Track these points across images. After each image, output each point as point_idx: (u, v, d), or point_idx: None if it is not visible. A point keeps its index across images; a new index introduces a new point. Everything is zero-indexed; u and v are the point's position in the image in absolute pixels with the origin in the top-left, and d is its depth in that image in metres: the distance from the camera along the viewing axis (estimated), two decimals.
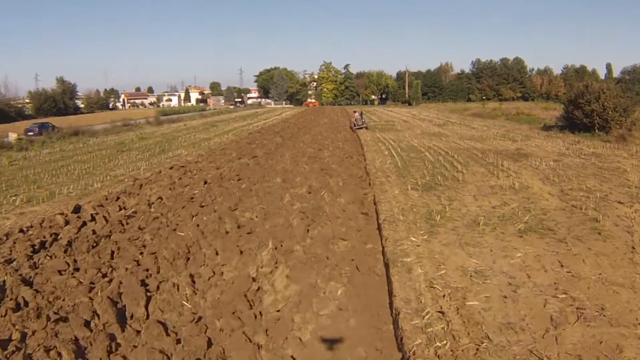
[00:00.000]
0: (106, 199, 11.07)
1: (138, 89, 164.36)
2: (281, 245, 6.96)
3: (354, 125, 28.11)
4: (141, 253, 6.85)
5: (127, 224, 8.81)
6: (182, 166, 15.91)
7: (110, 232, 8.30)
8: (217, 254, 6.66)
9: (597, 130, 27.78)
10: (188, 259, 6.54)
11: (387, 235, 7.79)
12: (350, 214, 8.77)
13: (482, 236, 7.96)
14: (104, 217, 9.53)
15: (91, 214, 9.61)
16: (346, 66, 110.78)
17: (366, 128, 28.16)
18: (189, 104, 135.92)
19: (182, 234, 7.52)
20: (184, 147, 22.48)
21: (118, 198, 10.98)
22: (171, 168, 15.92)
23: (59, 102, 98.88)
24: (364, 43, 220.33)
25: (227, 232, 7.65)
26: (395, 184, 12.27)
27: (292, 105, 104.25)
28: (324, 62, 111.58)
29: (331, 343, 4.65)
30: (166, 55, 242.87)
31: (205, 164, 15.91)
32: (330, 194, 10.05)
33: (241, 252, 6.61)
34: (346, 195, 10.22)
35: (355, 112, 29.70)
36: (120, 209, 9.80)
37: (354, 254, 6.89)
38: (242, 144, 22.02)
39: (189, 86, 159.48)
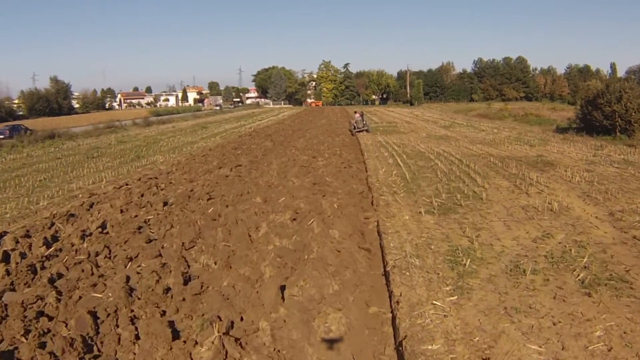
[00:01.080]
0: (39, 225, 8.71)
1: (136, 89, 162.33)
2: (241, 319, 4.59)
3: (354, 128, 25.72)
4: (27, 332, 4.48)
5: (42, 268, 6.45)
6: (152, 178, 13.55)
7: (12, 284, 5.94)
8: (137, 338, 4.28)
9: (618, 133, 25.46)
10: (89, 347, 4.16)
11: (398, 293, 5.43)
12: (347, 255, 6.41)
13: (534, 295, 5.59)
14: (21, 254, 7.19)
15: (5, 251, 7.26)
16: (346, 65, 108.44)
17: (367, 131, 25.77)
18: (187, 104, 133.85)
19: (100, 295, 5.15)
20: (163, 153, 20.13)
21: (52, 225, 8.62)
22: (139, 179, 13.60)
23: (52, 102, 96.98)
24: (364, 42, 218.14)
25: (167, 291, 5.28)
26: (405, 204, 9.90)
27: (290, 106, 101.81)
28: (323, 61, 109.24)
29: None
30: (165, 55, 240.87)
31: (178, 176, 13.55)
32: (321, 223, 7.68)
33: (173, 338, 4.24)
34: (342, 223, 7.85)
35: (355, 112, 27.21)
36: (45, 244, 7.43)
37: (351, 335, 4.51)
38: (228, 149, 19.67)
39: (187, 86, 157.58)
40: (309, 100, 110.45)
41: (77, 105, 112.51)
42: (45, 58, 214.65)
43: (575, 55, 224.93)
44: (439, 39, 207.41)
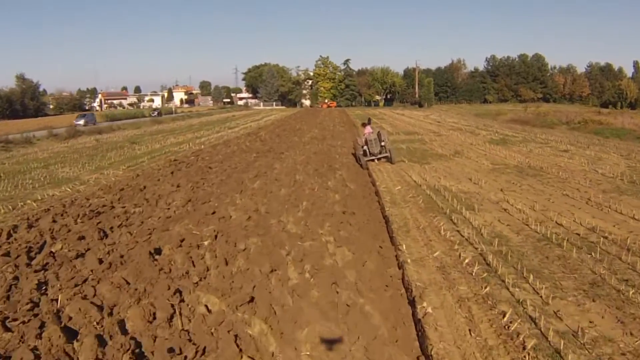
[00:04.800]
0: None
1: (125, 89, 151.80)
2: None
3: (365, 153, 14.26)
4: None
5: None
6: None
7: None
8: None
9: None
10: None
11: None
12: None
13: None
14: None
15: None
16: (346, 61, 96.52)
17: (388, 159, 14.30)
18: (174, 104, 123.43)
19: None
20: None
21: None
22: None
23: (15, 102, 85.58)
24: (366, 36, 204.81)
25: None
26: None
27: (282, 107, 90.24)
28: (321, 56, 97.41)
29: None
30: (162, 55, 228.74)
31: None
32: None
33: None
34: None
35: (364, 125, 15.39)
36: None
37: None
38: (70, 220, 8.37)
39: (176, 85, 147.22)
40: (304, 102, 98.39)
41: (51, 106, 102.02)
42: (35, 57, 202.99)
43: (594, 52, 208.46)
44: (449, 35, 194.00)
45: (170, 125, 39.02)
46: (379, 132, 14.59)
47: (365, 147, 14.07)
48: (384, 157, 14.27)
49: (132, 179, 12.44)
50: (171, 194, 10.00)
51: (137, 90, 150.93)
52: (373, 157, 14.05)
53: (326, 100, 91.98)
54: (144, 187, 11.01)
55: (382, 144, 14.06)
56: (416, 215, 8.57)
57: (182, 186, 10.91)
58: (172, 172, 12.98)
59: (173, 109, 71.03)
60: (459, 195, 10.23)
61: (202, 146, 20.86)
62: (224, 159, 15.65)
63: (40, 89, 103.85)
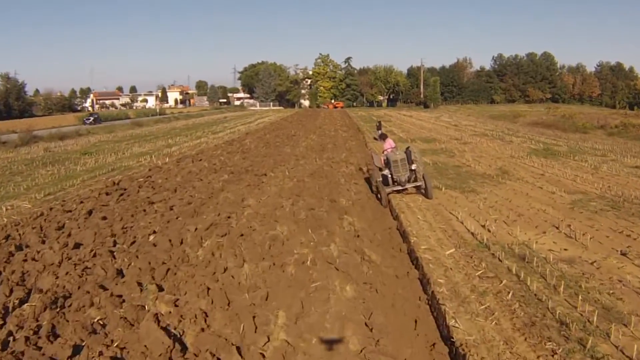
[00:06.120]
0: None
1: (120, 89, 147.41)
2: None
3: (387, 181, 9.48)
4: None
5: None
6: None
7: None
8: None
9: None
10: None
11: None
12: None
13: None
14: None
15: None
16: (347, 60, 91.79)
17: (420, 190, 9.76)
18: (167, 104, 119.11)
19: None
20: None
21: None
22: None
23: None
24: (368, 34, 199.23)
25: None
26: None
27: (280, 107, 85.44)
28: (320, 54, 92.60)
29: None
30: (161, 55, 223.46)
31: None
32: None
33: None
34: None
35: (385, 139, 10.36)
36: None
37: None
38: None
39: (172, 85, 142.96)
40: (302, 102, 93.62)
41: (40, 106, 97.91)
42: (37, 57, 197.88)
43: (603, 51, 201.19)
44: (454, 32, 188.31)
45: (149, 128, 34.39)
46: (408, 148, 9.89)
47: (386, 172, 9.48)
48: (414, 187, 9.65)
49: (23, 226, 7.87)
50: (45, 271, 5.44)
51: (133, 90, 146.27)
52: (398, 187, 9.41)
53: (332, 100, 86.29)
54: (18, 248, 6.44)
55: (413, 167, 9.40)
56: (522, 349, 4.00)
57: (84, 246, 6.37)
58: (90, 212, 8.41)
59: (158, 111, 65.94)
60: (564, 271, 5.67)
61: (167, 159, 16.25)
62: (181, 183, 11.05)
63: (33, 89, 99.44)
